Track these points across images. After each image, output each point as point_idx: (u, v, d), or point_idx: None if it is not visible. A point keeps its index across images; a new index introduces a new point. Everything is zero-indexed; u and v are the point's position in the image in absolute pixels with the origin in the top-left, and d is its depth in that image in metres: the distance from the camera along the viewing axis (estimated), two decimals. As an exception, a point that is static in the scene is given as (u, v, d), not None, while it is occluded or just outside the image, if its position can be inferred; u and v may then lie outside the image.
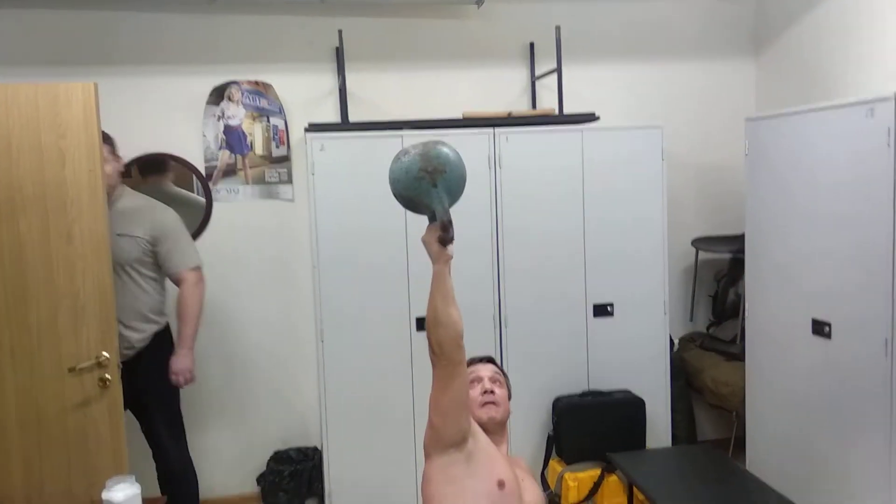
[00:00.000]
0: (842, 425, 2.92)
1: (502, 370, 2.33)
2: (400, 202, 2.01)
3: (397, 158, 1.97)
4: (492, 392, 2.18)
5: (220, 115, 3.75)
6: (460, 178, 1.97)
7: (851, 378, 2.86)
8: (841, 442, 2.92)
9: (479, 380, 2.23)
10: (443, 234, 1.93)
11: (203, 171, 3.75)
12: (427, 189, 1.92)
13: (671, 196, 4.04)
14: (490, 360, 2.33)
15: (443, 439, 2.01)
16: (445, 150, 1.96)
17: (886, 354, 2.67)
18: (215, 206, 3.78)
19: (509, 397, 2.28)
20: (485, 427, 2.14)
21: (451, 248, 1.95)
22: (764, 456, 3.44)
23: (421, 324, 3.47)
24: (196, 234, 3.75)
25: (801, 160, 3.09)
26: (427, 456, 2.07)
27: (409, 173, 1.93)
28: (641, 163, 3.65)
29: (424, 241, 1.98)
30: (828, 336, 2.97)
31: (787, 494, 2.70)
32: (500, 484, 1.99)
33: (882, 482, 2.71)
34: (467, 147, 3.45)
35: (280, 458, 3.79)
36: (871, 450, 2.76)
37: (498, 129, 3.50)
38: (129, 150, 3.65)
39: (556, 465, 3.51)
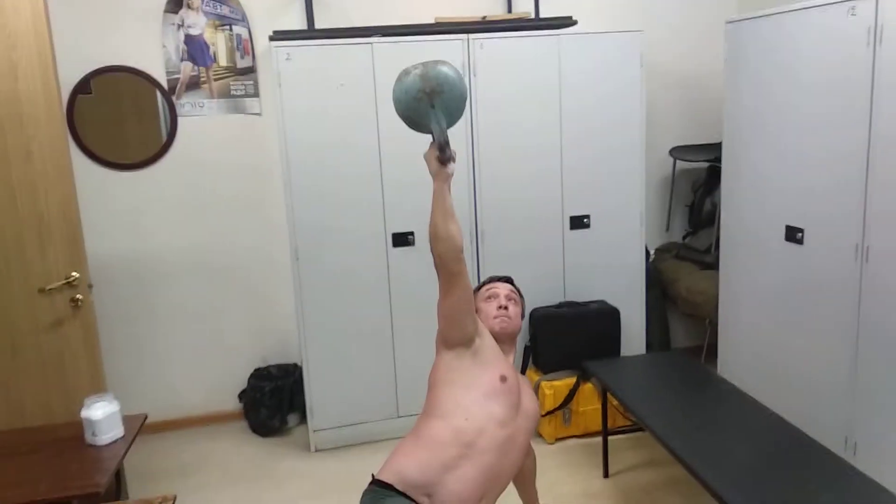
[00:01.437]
0: (811, 330, 2.99)
1: (519, 290, 2.43)
2: (402, 120, 2.05)
3: (399, 79, 2.01)
4: (505, 308, 2.29)
5: (180, 23, 3.56)
6: (459, 98, 2.01)
7: (822, 283, 2.90)
8: (809, 346, 3.00)
9: (496, 296, 2.33)
10: (440, 154, 1.98)
11: (165, 85, 3.59)
12: (425, 109, 1.97)
13: (650, 104, 3.98)
14: (509, 281, 2.44)
15: (449, 339, 2.15)
16: (445, 69, 1.98)
17: (856, 259, 2.71)
18: (180, 121, 3.64)
19: (523, 315, 2.39)
20: (496, 336, 2.27)
21: (451, 166, 2.01)
22: (735, 361, 3.54)
23: (397, 239, 3.44)
24: (162, 151, 3.64)
25: (781, 62, 3.03)
26: (437, 351, 2.21)
27: (408, 93, 1.98)
28: (620, 70, 3.56)
29: (425, 159, 2.04)
30: (800, 242, 3.00)
31: (756, 397, 2.78)
32: (502, 378, 2.14)
33: (846, 384, 2.81)
34: (440, 55, 3.34)
35: (260, 375, 3.82)
36: (838, 352, 2.84)
37: (472, 36, 3.37)
38: (85, 63, 3.48)
39: (532, 375, 3.59)
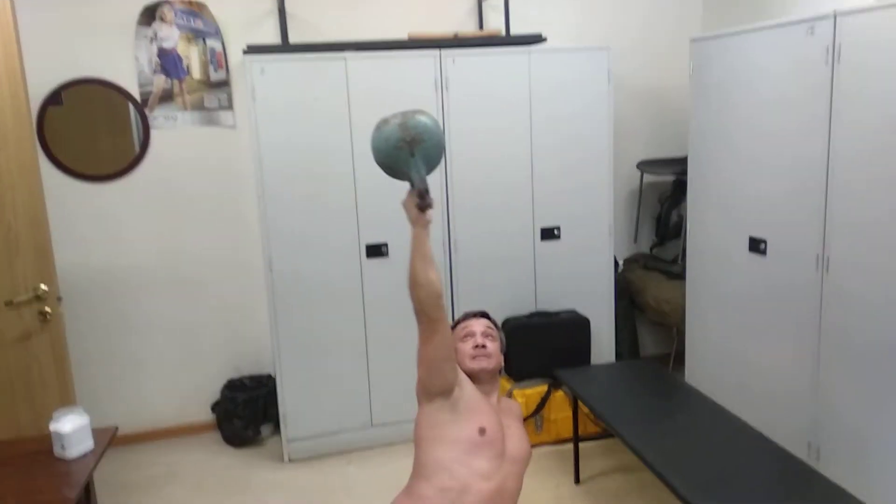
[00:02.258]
0: (774, 338, 3.08)
1: (495, 324, 2.40)
2: (381, 169, 2.08)
3: (377, 128, 2.05)
4: (483, 346, 2.26)
5: (153, 36, 3.57)
6: (438, 146, 2.06)
7: (784, 292, 2.99)
8: (772, 353, 3.09)
9: (472, 334, 2.30)
10: (420, 202, 2.02)
11: (138, 97, 3.59)
12: (405, 158, 2.02)
13: (617, 119, 4.07)
14: (484, 315, 2.40)
15: (428, 389, 2.12)
16: (424, 119, 2.03)
17: (817, 269, 2.80)
18: (153, 133, 3.63)
19: (502, 349, 2.35)
20: (476, 377, 2.24)
21: (430, 213, 2.04)
22: (701, 369, 3.62)
23: (371, 251, 3.47)
24: (135, 163, 3.62)
25: (744, 79, 3.13)
26: (419, 403, 2.18)
27: (388, 142, 2.02)
28: (588, 85, 3.64)
29: (404, 205, 2.06)
30: (763, 253, 3.09)
31: (721, 404, 2.85)
32: (482, 431, 2.10)
33: (808, 390, 2.89)
34: (413, 70, 3.41)
35: (234, 386, 3.81)
36: (800, 359, 2.93)
37: (444, 51, 3.43)
38: (57, 74, 3.46)
39: (505, 384, 3.63)
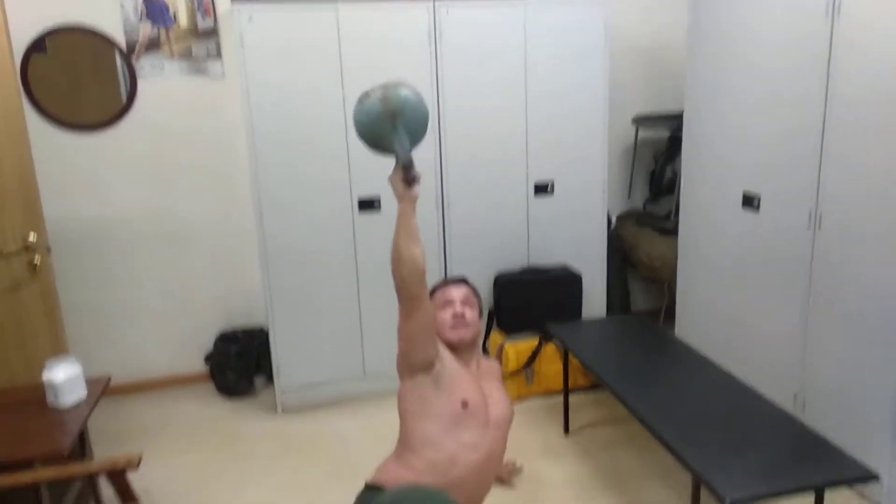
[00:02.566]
0: (764, 294, 3.10)
1: (475, 290, 2.38)
2: (365, 144, 2.04)
3: (359, 101, 2.00)
4: (462, 315, 2.24)
5: (138, -19, 3.47)
6: (422, 119, 2.01)
7: (776, 248, 3.00)
8: (762, 309, 3.12)
9: (451, 303, 2.28)
10: (405, 175, 1.98)
11: (123, 46, 3.51)
12: (388, 131, 1.97)
13: (613, 73, 4.02)
14: (463, 282, 2.37)
15: (410, 364, 2.11)
16: (405, 92, 1.99)
17: (809, 226, 2.81)
18: (140, 83, 3.56)
19: (480, 315, 2.34)
20: (455, 347, 2.24)
21: (416, 188, 1.99)
22: (691, 323, 3.65)
23: (363, 205, 3.44)
24: (122, 113, 3.56)
25: (742, 33, 3.08)
26: (400, 377, 2.18)
27: (370, 116, 1.97)
28: (584, 39, 3.58)
29: (391, 181, 2.02)
30: (756, 209, 3.09)
31: (710, 358, 2.88)
32: (464, 404, 2.12)
33: (796, 345, 2.93)
34: (406, 20, 3.34)
35: (226, 338, 3.82)
36: (789, 314, 2.95)
37: (438, 2, 3.35)
38: (40, 21, 3.37)
39: (497, 337, 3.66)
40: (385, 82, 2.02)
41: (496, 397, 2.29)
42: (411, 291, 2.02)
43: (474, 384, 2.22)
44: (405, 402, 2.18)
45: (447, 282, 2.38)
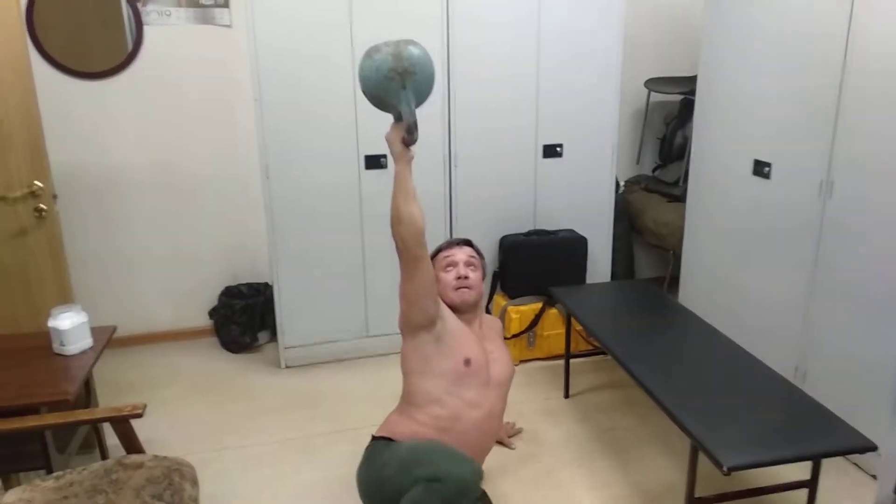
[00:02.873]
0: (770, 263, 3.08)
1: (479, 252, 2.39)
2: (368, 99, 2.01)
3: (368, 55, 1.96)
4: (466, 277, 2.26)
5: (145, -75, 3.38)
6: (429, 79, 1.99)
7: (785, 218, 2.98)
8: (767, 278, 3.10)
9: (455, 264, 2.30)
10: (407, 136, 2.00)
11: (130, -9, 3.44)
12: (396, 90, 1.95)
13: (627, 35, 3.93)
14: (467, 243, 2.38)
15: (411, 323, 2.15)
16: (417, 51, 1.96)
17: (820, 195, 2.77)
18: (146, 30, 3.50)
19: (484, 276, 2.36)
20: (458, 308, 2.26)
21: (413, 148, 2.00)
22: (696, 291, 3.65)
23: (370, 161, 3.41)
24: (128, 61, 3.51)
25: (762, -4, 3.01)
26: (402, 336, 2.22)
27: (379, 72, 1.94)
28: (600, 1, 3.50)
29: (388, 140, 2.03)
30: (767, 177, 3.06)
31: (713, 324, 2.88)
32: (467, 362, 2.16)
33: (800, 315, 2.92)
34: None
35: (231, 293, 3.83)
36: (794, 285, 2.94)
37: (452, -46, 3.27)
38: (44, -38, 3.30)
39: (500, 300, 3.66)
40: (396, 39, 1.97)
41: (497, 356, 2.31)
42: (411, 252, 2.05)
43: (477, 343, 2.24)
44: (408, 360, 2.21)
45: (451, 243, 2.39)
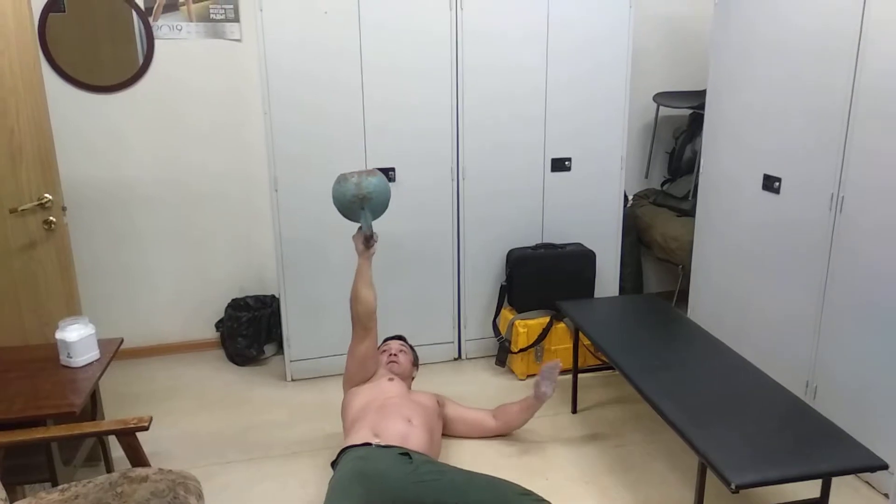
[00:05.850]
0: (781, 278, 3.06)
1: (409, 344, 3.13)
2: (338, 211, 2.68)
3: (338, 182, 2.65)
4: (395, 356, 2.96)
5: (157, -59, 3.42)
6: (384, 202, 2.69)
7: (795, 232, 2.96)
8: (778, 293, 3.08)
9: (388, 350, 3.02)
10: (366, 242, 2.69)
11: (141, 5, 3.47)
12: (357, 210, 2.65)
13: (636, 49, 3.95)
14: (399, 338, 3.14)
15: (353, 380, 2.83)
16: (375, 180, 2.64)
17: (831, 209, 2.75)
18: (157, 44, 3.53)
19: (414, 361, 3.06)
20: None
21: (373, 248, 2.72)
22: (705, 306, 3.62)
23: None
24: (139, 74, 3.54)
25: (770, 11, 3.00)
26: (344, 390, 2.86)
27: (344, 196, 2.63)
28: (608, 12, 3.51)
29: (353, 240, 2.74)
30: (777, 191, 3.04)
31: (722, 340, 2.86)
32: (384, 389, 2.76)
33: (810, 331, 2.89)
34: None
35: (238, 306, 3.84)
36: (804, 300, 2.92)
37: (460, -32, 3.29)
38: (58, -23, 3.34)
39: (507, 314, 3.64)
40: (360, 170, 2.74)
41: (416, 423, 2.55)
42: (364, 325, 2.76)
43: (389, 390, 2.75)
44: (347, 410, 2.71)
45: (388, 339, 3.15)
